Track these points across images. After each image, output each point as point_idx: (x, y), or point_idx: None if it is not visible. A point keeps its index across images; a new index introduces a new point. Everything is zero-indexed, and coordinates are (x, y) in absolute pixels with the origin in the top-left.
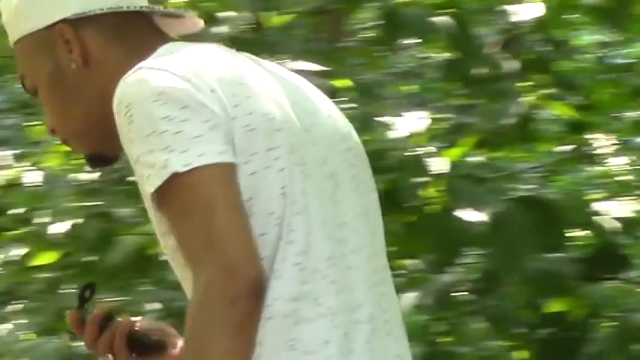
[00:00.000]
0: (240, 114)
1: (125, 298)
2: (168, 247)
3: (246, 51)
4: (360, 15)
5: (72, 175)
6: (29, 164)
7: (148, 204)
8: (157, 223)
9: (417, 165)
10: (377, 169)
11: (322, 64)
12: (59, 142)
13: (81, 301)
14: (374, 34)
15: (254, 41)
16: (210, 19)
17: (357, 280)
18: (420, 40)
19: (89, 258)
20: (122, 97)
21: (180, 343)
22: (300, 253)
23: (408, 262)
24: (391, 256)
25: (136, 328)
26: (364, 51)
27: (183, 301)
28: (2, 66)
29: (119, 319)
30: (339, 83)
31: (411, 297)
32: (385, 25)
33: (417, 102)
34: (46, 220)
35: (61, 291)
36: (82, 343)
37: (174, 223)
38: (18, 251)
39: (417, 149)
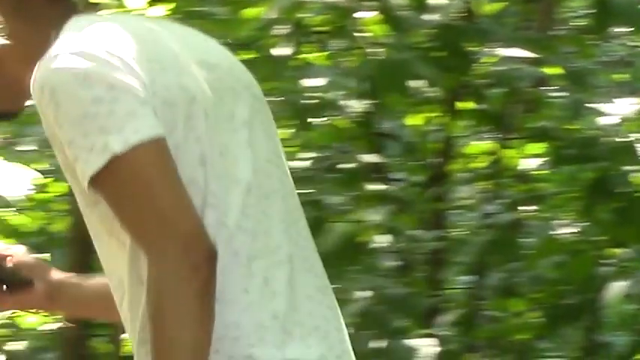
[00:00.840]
0: (159, 89)
1: (336, 285)
2: (91, 220)
3: (457, 39)
4: (571, 3)
5: None
6: None
7: (75, 182)
8: (79, 195)
9: (629, 152)
10: (588, 157)
11: (533, 52)
12: None
13: None
14: (585, 22)
15: (465, 29)
16: (422, 7)
17: (274, 224)
18: (631, 29)
19: None
20: (44, 83)
21: (52, 276)
22: (221, 214)
23: (618, 251)
24: (601, 245)
25: (7, 263)
26: (575, 39)
27: (395, 289)
28: None
29: None
30: (550, 71)
31: (621, 286)
32: (596, 14)
33: (627, 90)
34: None
35: None
36: None
37: (118, 204)
38: None
39: (628, 136)
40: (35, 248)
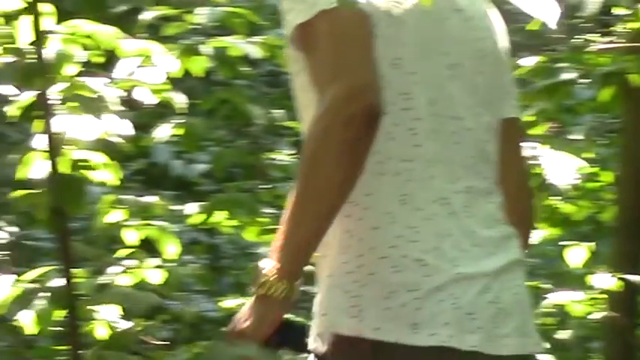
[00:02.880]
0: None
1: None
2: (296, 87)
3: None
4: None
5: None
6: None
7: (289, 38)
8: (292, 61)
9: None
10: None
11: None
12: None
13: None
14: None
15: None
16: None
17: (460, 155)
18: None
19: None
20: None
21: None
22: (415, 119)
23: None
24: None
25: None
26: None
27: None
28: None
29: None
30: None
31: None
32: None
33: None
34: None
35: None
36: None
37: (310, 53)
38: None
39: None
40: (583, 237)
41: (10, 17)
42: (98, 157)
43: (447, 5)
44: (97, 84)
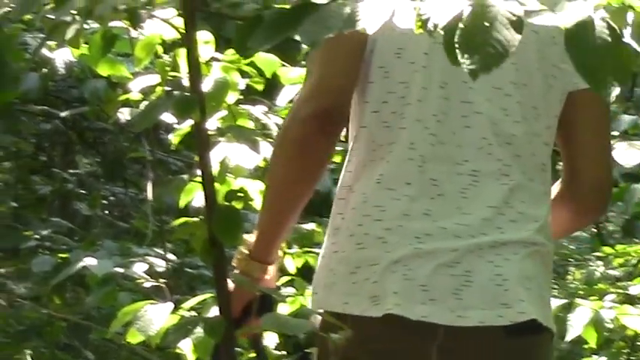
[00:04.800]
0: None
1: None
2: None
3: None
4: None
5: None
6: None
7: None
8: None
9: None
10: None
11: None
12: None
13: None
14: None
15: None
16: None
17: (470, 138)
18: None
19: None
20: None
21: None
22: (406, 104)
23: None
24: None
25: None
26: None
27: None
28: None
29: None
30: None
31: None
32: None
33: None
34: None
35: None
36: None
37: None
38: None
39: None
40: None
41: (169, 46)
42: (257, 185)
43: None
44: (257, 111)
